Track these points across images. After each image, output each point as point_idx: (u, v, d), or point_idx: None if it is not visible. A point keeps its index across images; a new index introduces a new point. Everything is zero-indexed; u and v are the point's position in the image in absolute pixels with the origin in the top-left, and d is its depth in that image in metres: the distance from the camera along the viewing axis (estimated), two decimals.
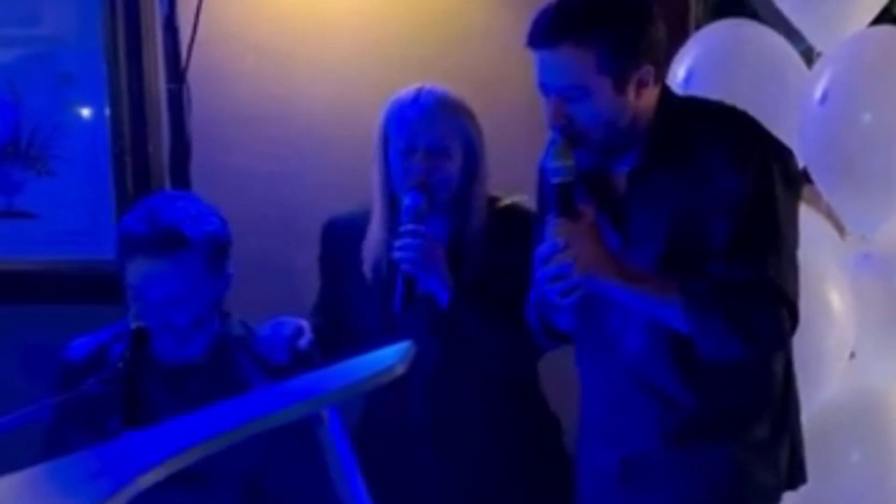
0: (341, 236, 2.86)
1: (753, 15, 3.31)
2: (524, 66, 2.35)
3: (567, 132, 2.26)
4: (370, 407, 2.86)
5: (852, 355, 2.99)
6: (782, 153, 2.31)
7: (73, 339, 2.70)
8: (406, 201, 2.66)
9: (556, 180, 2.28)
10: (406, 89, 2.73)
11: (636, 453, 2.40)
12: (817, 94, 2.82)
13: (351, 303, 2.84)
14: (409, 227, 2.63)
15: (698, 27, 3.31)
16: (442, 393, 2.76)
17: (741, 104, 2.38)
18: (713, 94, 2.46)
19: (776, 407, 2.39)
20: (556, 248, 2.22)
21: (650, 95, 2.29)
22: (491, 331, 2.70)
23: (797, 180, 2.33)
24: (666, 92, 2.36)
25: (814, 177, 2.90)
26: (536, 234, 2.40)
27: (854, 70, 2.85)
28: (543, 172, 2.45)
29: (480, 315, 2.69)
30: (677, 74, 2.97)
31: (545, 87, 2.28)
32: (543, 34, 2.24)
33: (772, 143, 2.32)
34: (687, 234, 2.24)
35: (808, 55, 3.06)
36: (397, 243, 2.63)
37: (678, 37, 3.28)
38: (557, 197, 2.27)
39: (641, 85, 2.26)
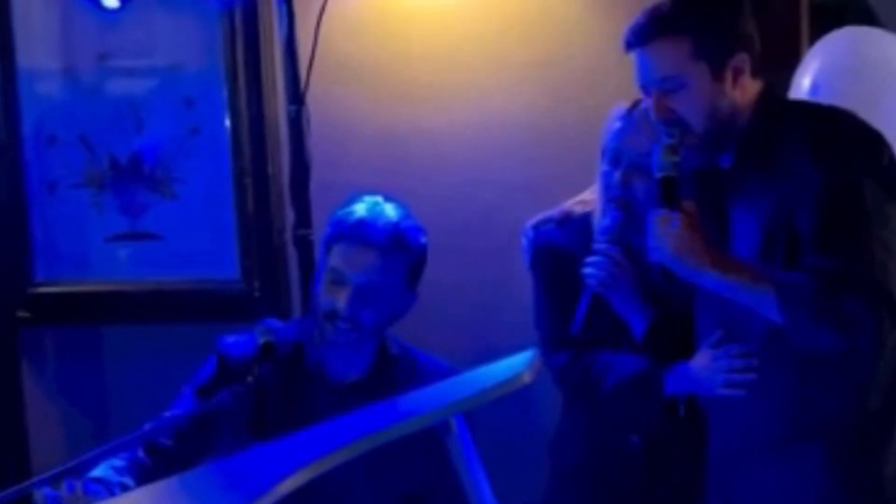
0: None
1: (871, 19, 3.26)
2: None
3: (671, 125, 2.37)
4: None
5: None
6: (879, 149, 2.31)
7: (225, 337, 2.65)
8: (604, 220, 2.61)
9: (659, 175, 2.38)
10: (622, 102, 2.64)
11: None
12: None
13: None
14: (601, 246, 2.56)
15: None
16: None
17: (867, 113, 2.36)
18: (839, 104, 2.43)
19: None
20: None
21: (748, 87, 2.37)
22: None
23: None
24: (766, 90, 2.40)
25: None
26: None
27: None
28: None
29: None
30: (802, 85, 2.94)
31: (645, 86, 2.41)
32: (639, 33, 2.37)
33: (867, 139, 2.31)
34: (781, 228, 2.29)
35: None
36: (588, 259, 2.58)
37: (792, 46, 3.27)
38: (660, 190, 2.38)
39: (738, 73, 2.36)
